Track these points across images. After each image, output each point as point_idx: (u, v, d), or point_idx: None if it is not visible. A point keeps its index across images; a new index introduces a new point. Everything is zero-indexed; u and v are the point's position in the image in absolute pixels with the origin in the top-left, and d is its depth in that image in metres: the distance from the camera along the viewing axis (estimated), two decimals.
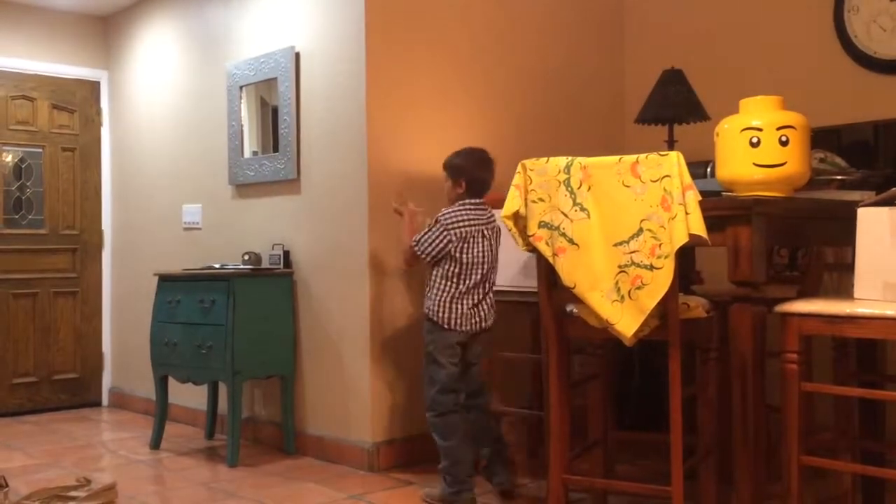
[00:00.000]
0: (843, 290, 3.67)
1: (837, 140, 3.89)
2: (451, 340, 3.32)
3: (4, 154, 5.44)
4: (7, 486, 3.17)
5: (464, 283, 3.32)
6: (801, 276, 3.50)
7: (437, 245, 3.30)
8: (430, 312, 3.33)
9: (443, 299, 3.32)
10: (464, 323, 3.32)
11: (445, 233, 3.31)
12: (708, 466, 2.77)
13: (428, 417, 3.32)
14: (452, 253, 3.31)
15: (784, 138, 2.62)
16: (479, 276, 3.34)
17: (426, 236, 3.31)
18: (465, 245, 3.32)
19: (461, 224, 3.32)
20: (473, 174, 3.38)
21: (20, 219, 5.49)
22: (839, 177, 3.05)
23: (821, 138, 3.42)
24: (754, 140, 2.63)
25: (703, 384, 2.78)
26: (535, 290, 2.79)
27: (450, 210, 3.36)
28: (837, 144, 3.84)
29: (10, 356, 5.39)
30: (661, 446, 3.00)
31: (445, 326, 3.32)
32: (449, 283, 3.32)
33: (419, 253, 3.32)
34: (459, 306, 3.32)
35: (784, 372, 2.56)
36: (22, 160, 5.51)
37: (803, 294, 3.12)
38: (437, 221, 3.33)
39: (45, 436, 4.78)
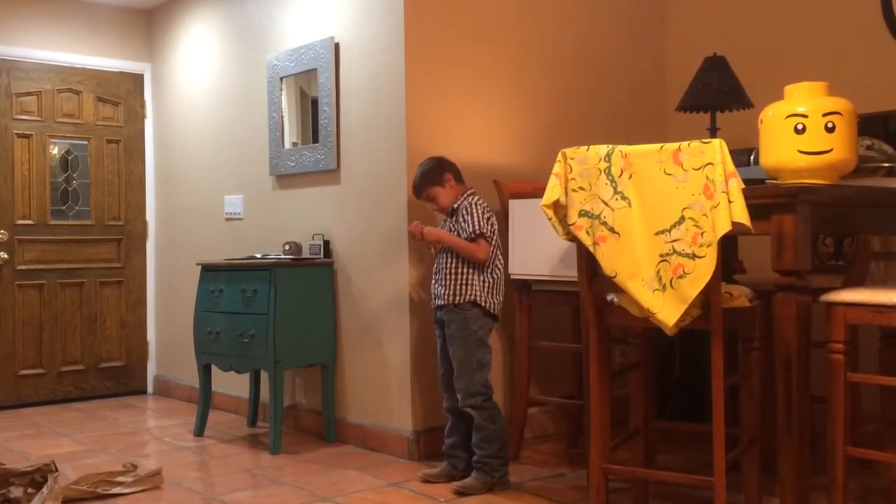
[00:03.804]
0: (891, 279, 3.61)
1: (884, 126, 3.81)
2: (493, 324, 3.41)
3: (51, 147, 5.55)
4: (56, 471, 3.24)
5: (499, 269, 3.39)
6: (847, 265, 3.44)
7: (493, 224, 3.37)
8: (480, 299, 3.32)
9: (491, 285, 3.36)
10: (500, 309, 3.42)
11: (490, 214, 3.39)
12: (751, 457, 2.74)
13: (476, 402, 3.30)
14: (496, 233, 3.39)
15: (830, 125, 2.57)
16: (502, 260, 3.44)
17: (479, 221, 3.32)
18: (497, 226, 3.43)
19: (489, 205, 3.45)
20: (449, 166, 3.45)
21: (67, 210, 5.59)
22: (886, 164, 2.99)
23: (868, 125, 3.35)
24: (799, 127, 2.59)
25: (746, 374, 2.76)
26: (576, 279, 2.78)
27: (471, 198, 3.40)
28: (885, 131, 3.76)
29: (59, 344, 5.50)
30: (703, 436, 2.98)
31: (493, 312, 3.37)
32: (489, 269, 3.36)
33: (488, 238, 3.33)
34: (501, 293, 3.40)
35: (830, 362, 2.52)
36: (68, 152, 5.61)
37: (849, 283, 3.07)
38: (472, 206, 3.36)
39: (92, 422, 4.88)
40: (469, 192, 3.43)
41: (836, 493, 2.51)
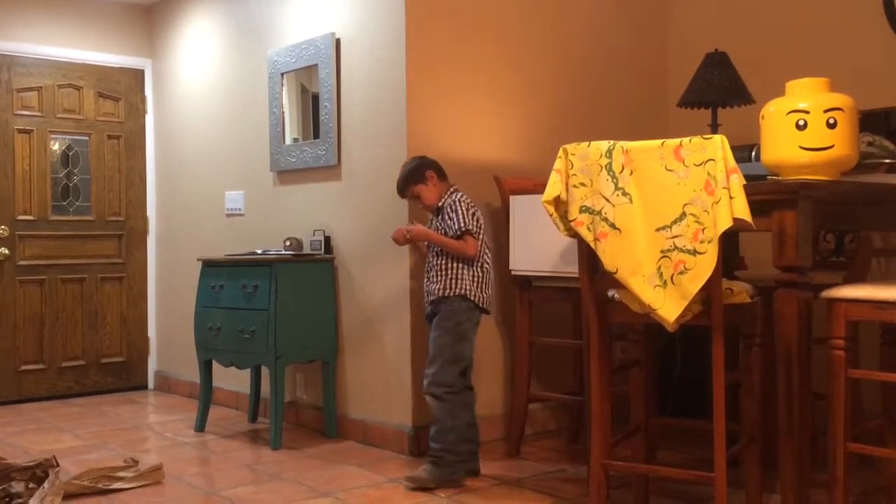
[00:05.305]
0: (892, 275, 3.60)
1: (886, 123, 3.81)
2: (480, 319, 3.44)
3: (52, 142, 5.54)
4: (57, 466, 3.24)
5: (488, 263, 3.43)
6: (848, 262, 3.44)
7: (478, 219, 3.39)
8: (470, 293, 3.35)
9: (480, 279, 3.38)
10: (490, 303, 3.45)
11: (474, 209, 3.41)
12: (751, 453, 2.74)
13: (437, 392, 3.31)
14: (483, 229, 3.42)
15: (831, 121, 2.57)
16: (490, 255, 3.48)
17: (464, 218, 3.33)
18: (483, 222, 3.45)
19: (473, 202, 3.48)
20: (431, 164, 3.46)
21: (68, 205, 5.59)
22: (887, 160, 2.99)
23: (869, 121, 3.35)
24: (801, 122, 2.59)
25: (746, 370, 2.75)
26: (576, 275, 2.78)
27: (455, 195, 3.42)
28: (886, 127, 3.76)
29: (60, 340, 5.50)
30: (703, 433, 2.98)
31: (482, 306, 3.40)
32: (478, 264, 3.38)
33: (475, 234, 3.36)
34: (490, 286, 3.44)
35: (830, 358, 2.52)
36: (69, 148, 5.61)
37: (850, 280, 3.06)
38: (456, 204, 3.37)
39: (94, 418, 4.89)
40: (452, 189, 3.45)
41: (836, 489, 2.51)
